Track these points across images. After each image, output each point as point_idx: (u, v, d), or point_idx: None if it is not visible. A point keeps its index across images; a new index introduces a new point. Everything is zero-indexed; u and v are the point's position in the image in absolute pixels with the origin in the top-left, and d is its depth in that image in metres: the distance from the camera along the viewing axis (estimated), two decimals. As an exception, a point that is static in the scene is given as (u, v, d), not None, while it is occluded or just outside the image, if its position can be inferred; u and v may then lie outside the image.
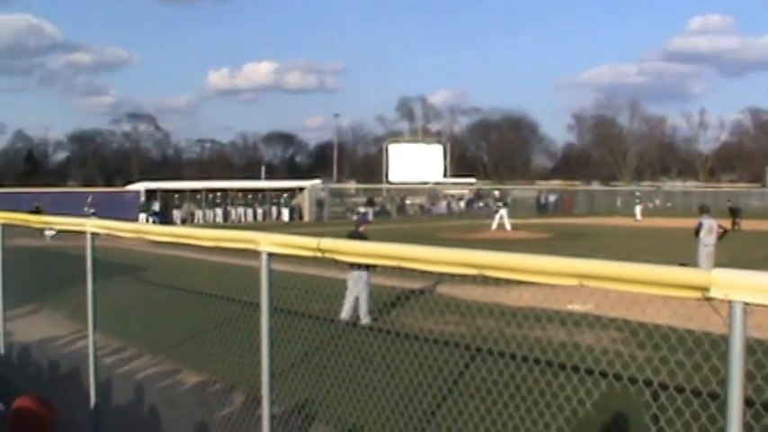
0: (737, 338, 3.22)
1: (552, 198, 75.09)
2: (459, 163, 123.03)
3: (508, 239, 34.49)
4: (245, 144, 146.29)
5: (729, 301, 3.22)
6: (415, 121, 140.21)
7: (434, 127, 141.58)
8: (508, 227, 40.77)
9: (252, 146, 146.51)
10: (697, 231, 20.14)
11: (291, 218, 57.89)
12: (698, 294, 3.30)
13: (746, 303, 3.21)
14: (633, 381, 6.15)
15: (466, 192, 79.64)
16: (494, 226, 41.17)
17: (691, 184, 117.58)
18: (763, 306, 3.19)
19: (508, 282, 4.41)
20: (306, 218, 58.50)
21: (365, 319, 13.15)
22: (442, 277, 4.89)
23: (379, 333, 9.62)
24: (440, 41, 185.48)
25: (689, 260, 18.33)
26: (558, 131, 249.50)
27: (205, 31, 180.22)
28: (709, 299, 3.27)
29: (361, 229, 14.20)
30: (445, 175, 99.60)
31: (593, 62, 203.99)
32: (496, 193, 46.97)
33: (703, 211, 21.52)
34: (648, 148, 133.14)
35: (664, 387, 5.26)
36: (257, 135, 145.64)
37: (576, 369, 5.70)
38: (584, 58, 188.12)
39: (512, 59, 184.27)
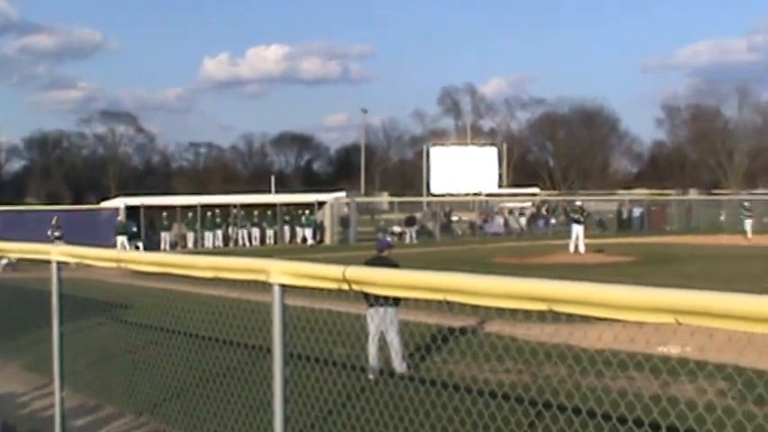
0: None
1: (638, 211, 74.57)
2: (519, 169, 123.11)
3: (582, 265, 34.33)
4: (251, 149, 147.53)
5: None
6: (463, 117, 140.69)
7: (487, 124, 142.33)
8: (582, 249, 40.64)
9: (259, 151, 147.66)
10: None
11: (315, 239, 58.02)
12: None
13: None
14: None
15: (528, 205, 79.37)
16: (571, 247, 41.08)
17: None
18: None
19: (584, 319, 4.37)
20: (327, 240, 58.62)
21: (400, 368, 13.13)
22: (491, 313, 4.86)
23: (421, 384, 9.59)
24: (492, 16, 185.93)
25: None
26: (644, 127, 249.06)
27: (199, 6, 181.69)
28: None
29: (385, 254, 14.19)
30: (501, 185, 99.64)
31: (689, 38, 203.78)
32: (578, 203, 46.67)
33: None
34: (763, 146, 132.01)
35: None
36: (265, 137, 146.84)
37: (672, 430, 5.63)
38: (677, 32, 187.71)
39: (583, 37, 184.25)
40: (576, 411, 6.65)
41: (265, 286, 5.85)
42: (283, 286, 5.79)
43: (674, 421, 5.68)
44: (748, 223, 56.12)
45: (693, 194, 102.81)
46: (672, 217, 75.65)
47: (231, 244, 56.88)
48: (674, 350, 10.95)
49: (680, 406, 6.56)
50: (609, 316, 4.13)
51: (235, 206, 58.33)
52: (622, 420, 6.25)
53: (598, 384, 8.75)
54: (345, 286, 5.34)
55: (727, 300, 3.65)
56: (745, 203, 61.12)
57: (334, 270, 5.40)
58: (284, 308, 5.83)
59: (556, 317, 4.50)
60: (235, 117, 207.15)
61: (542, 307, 4.39)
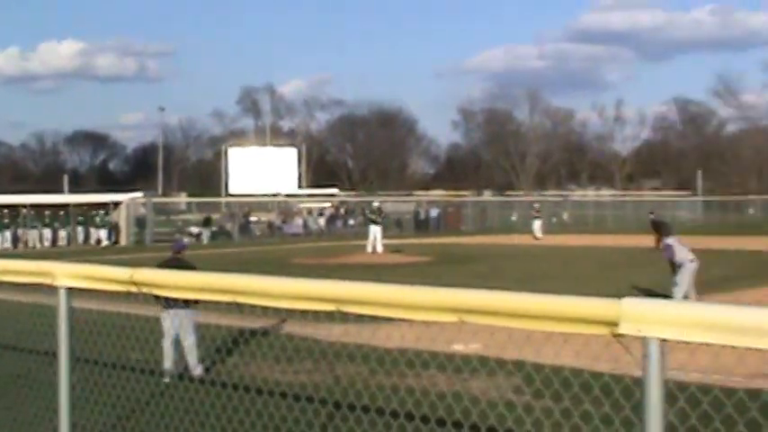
0: (654, 383, 3.27)
1: (434, 212, 75.91)
2: (318, 169, 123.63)
3: (379, 265, 34.67)
4: (42, 147, 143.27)
5: (643, 338, 3.27)
6: (262, 117, 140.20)
7: (286, 125, 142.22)
8: (379, 249, 41.11)
9: (51, 149, 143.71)
10: (672, 261, 19.68)
11: (110, 240, 56.91)
12: (604, 330, 3.35)
13: (664, 340, 3.25)
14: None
15: (327, 205, 79.78)
16: (369, 248, 41.49)
17: (605, 193, 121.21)
18: (685, 342, 3.23)
19: (375, 318, 4.42)
20: (123, 241, 57.52)
21: (196, 370, 13.03)
22: (290, 313, 4.93)
23: (213, 387, 9.51)
24: (292, 17, 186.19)
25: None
26: (440, 129, 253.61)
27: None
28: (618, 335, 3.32)
29: (181, 255, 14.07)
30: (300, 186, 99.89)
31: (484, 44, 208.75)
32: (376, 203, 47.18)
33: (662, 229, 21.90)
34: (553, 149, 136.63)
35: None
36: (58, 135, 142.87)
37: (458, 425, 5.75)
38: (473, 38, 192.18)
39: (383, 39, 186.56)
40: (366, 410, 6.72)
41: (52, 289, 5.72)
42: (70, 289, 5.67)
43: (460, 417, 5.81)
44: (537, 224, 57.80)
45: (488, 195, 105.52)
46: (467, 217, 77.28)
47: (21, 246, 55.14)
48: (459, 348, 11.17)
49: (464, 402, 6.71)
50: (395, 315, 4.19)
51: (25, 206, 56.43)
52: (410, 417, 6.34)
53: (387, 383, 8.85)
54: (134, 289, 5.28)
55: (507, 299, 3.75)
56: (535, 205, 63.09)
57: (122, 272, 5.33)
58: (71, 311, 5.71)
59: (347, 317, 4.54)
60: (25, 113, 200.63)
61: (330, 307, 4.43)
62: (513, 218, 76.64)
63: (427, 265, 34.88)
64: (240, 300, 4.84)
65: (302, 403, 7.80)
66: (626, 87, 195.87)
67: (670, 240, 20.10)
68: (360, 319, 4.67)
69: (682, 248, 19.70)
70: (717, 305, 3.33)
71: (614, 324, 3.31)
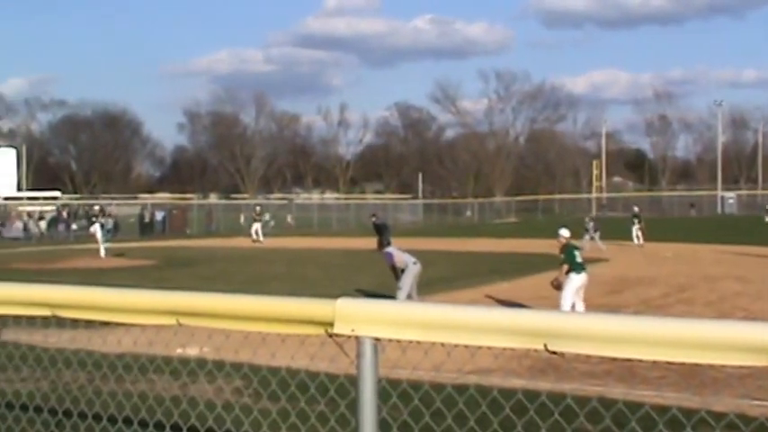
0: (367, 381, 3.41)
1: (160, 215, 74.82)
2: (40, 172, 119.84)
3: (102, 269, 34.03)
4: None
5: (357, 337, 3.42)
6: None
7: (5, 125, 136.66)
8: (102, 253, 40.48)
9: None
10: (394, 267, 20.19)
11: None
12: (320, 330, 3.52)
13: (377, 339, 3.43)
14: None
15: (49, 208, 77.30)
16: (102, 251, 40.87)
17: (329, 196, 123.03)
18: (397, 341, 3.46)
19: (103, 324, 4.45)
20: None
21: None
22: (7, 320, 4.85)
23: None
24: (12, 13, 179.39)
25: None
26: (166, 132, 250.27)
27: None
28: (333, 335, 3.49)
29: None
30: (20, 188, 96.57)
31: (210, 46, 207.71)
32: (97, 207, 46.55)
33: (382, 236, 22.50)
34: (278, 153, 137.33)
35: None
36: None
37: (176, 428, 5.82)
38: (198, 40, 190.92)
39: (107, 40, 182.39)
40: (98, 418, 6.68)
41: None
42: None
43: (195, 423, 5.87)
44: (256, 226, 57.89)
45: (214, 198, 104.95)
46: (193, 221, 76.58)
47: None
48: (192, 351, 11.15)
49: (200, 407, 6.76)
50: (112, 319, 4.26)
51: None
52: (143, 424, 6.35)
53: (119, 389, 8.77)
54: None
55: (222, 301, 3.94)
56: (257, 208, 63.34)
57: None
58: None
59: (76, 323, 4.53)
60: None
61: (47, 312, 4.43)
62: (241, 221, 76.59)
63: (152, 269, 34.42)
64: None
65: (30, 413, 7.65)
66: (350, 92, 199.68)
67: (389, 249, 20.82)
68: (90, 324, 4.68)
69: (401, 254, 20.42)
70: (425, 304, 3.61)
71: (329, 324, 3.45)
